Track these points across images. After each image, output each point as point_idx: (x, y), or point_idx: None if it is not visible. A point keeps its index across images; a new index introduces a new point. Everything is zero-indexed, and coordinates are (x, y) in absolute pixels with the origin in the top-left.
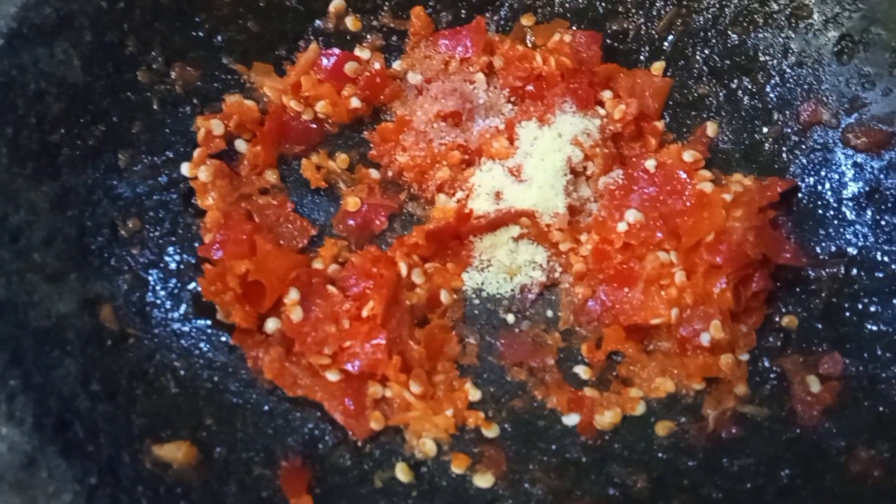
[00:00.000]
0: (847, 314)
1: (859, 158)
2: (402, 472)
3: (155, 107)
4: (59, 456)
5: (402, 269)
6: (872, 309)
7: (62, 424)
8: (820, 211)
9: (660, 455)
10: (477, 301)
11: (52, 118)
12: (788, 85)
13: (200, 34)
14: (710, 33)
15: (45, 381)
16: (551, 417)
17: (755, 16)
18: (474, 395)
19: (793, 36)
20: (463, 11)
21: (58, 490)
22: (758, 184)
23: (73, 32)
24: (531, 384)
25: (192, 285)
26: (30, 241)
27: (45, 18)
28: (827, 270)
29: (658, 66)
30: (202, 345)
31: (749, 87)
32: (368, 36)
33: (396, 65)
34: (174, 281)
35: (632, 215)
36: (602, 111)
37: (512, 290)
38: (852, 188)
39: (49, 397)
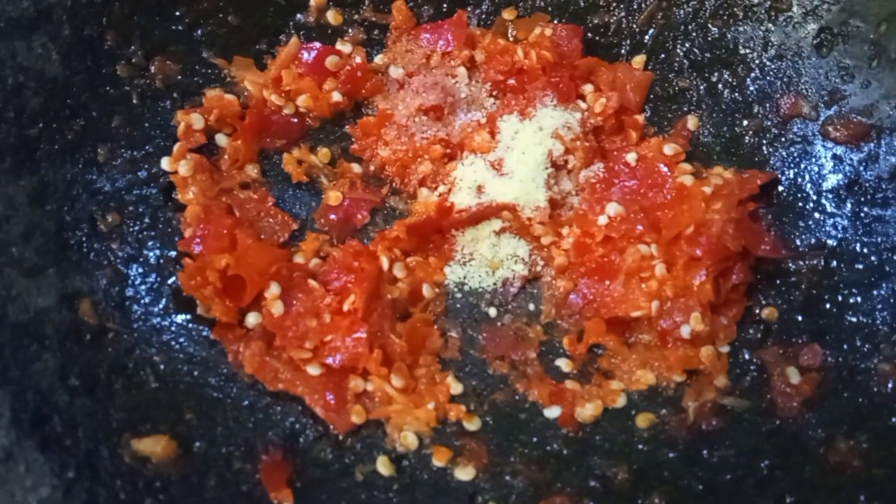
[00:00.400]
0: (827, 306)
1: (839, 151)
2: (383, 466)
3: (134, 101)
4: (36, 450)
5: (384, 263)
6: (852, 300)
7: (40, 418)
8: (800, 203)
9: (640, 447)
10: (459, 295)
11: (30, 112)
12: (768, 78)
13: (180, 28)
14: (690, 27)
15: (23, 376)
16: (533, 410)
17: (735, 9)
18: (456, 388)
19: (773, 29)
20: (444, 5)
21: (35, 484)
22: (738, 176)
23: (51, 26)
24: (513, 377)
25: (172, 280)
26: (8, 236)
27: (23, 12)
28: (807, 262)
29: (639, 60)
30: (182, 339)
31: (729, 80)
32: (350, 30)
33: (378, 59)
34: (154, 275)
35: (612, 208)
36: (583, 105)
37: (494, 284)
38: (832, 180)
39: (27, 391)
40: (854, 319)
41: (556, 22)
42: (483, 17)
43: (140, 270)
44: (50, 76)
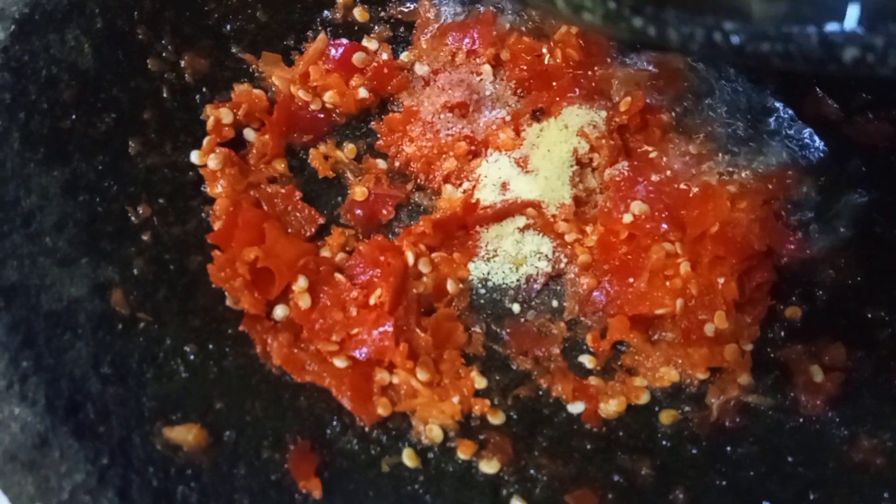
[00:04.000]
0: (851, 305)
1: (865, 151)
2: (408, 458)
3: (165, 95)
4: (71, 436)
5: (409, 258)
6: (876, 300)
7: (74, 406)
8: (824, 203)
9: (664, 443)
10: (483, 291)
11: (63, 104)
12: (793, 78)
13: (209, 23)
14: None
15: (57, 363)
16: (556, 405)
17: None
18: (480, 382)
19: None
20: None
21: (70, 470)
22: (763, 176)
23: (84, 19)
24: (536, 373)
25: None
26: (41, 226)
27: (57, 5)
28: (830, 262)
29: None
30: (211, 331)
31: (754, 80)
32: (376, 27)
33: (404, 56)
34: (184, 267)
35: (637, 206)
36: (608, 103)
37: (517, 281)
38: (856, 181)
39: (61, 379)
40: (878, 318)
41: None
42: (509, 14)
43: (170, 262)
44: (82, 69)
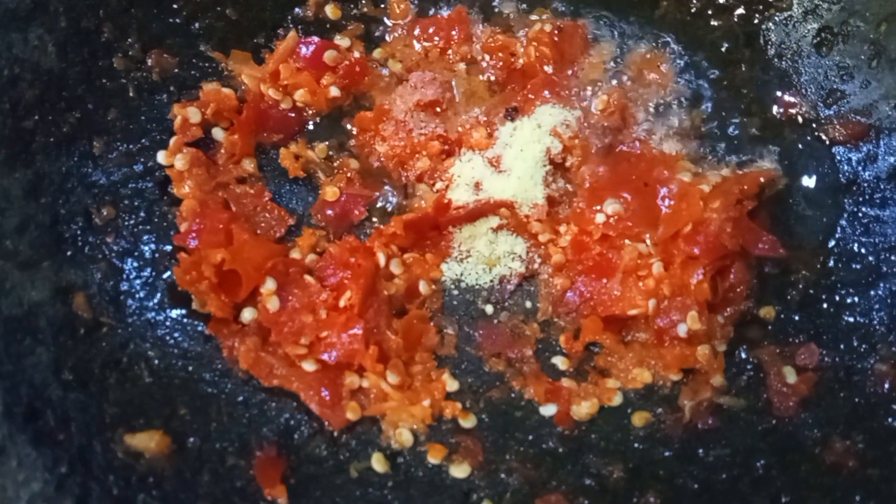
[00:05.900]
0: (824, 306)
1: (838, 150)
2: (378, 463)
3: (131, 94)
4: (29, 444)
5: (381, 259)
6: (849, 300)
7: (33, 413)
8: (798, 203)
9: (636, 445)
10: (456, 292)
11: (25, 104)
12: (768, 76)
13: (178, 21)
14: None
15: (16, 369)
16: (529, 408)
17: (736, 8)
18: (452, 385)
19: (773, 27)
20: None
21: (28, 478)
22: (736, 175)
23: (47, 18)
24: (509, 375)
25: (167, 274)
26: (2, 228)
27: (20, 3)
28: (804, 262)
29: None
30: (177, 334)
31: (729, 78)
32: (348, 24)
33: (376, 53)
34: (149, 270)
35: (610, 206)
36: (582, 102)
37: (491, 281)
38: (830, 180)
39: (20, 385)
40: (851, 319)
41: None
42: (482, 11)
43: (135, 264)
44: (46, 68)
